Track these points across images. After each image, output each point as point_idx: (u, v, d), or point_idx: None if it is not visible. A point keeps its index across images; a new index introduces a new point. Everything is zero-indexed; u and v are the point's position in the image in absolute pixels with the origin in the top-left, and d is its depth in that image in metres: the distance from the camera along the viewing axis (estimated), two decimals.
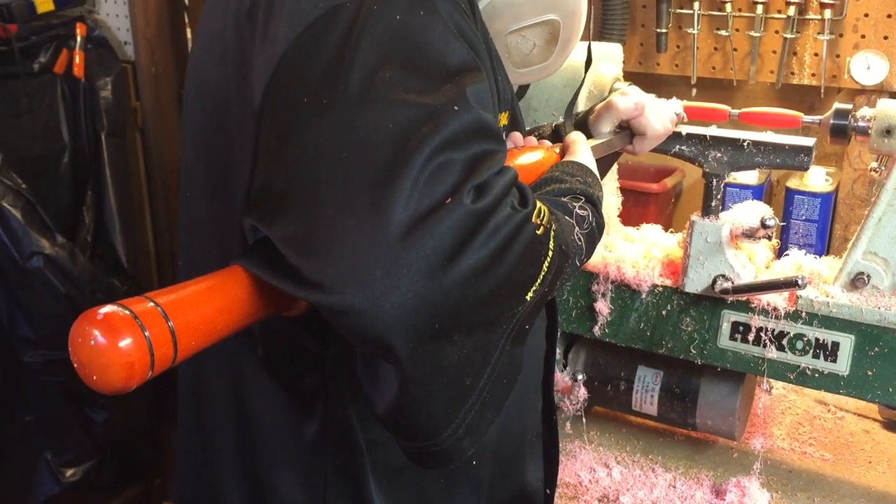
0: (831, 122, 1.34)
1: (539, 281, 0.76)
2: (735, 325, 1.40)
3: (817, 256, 1.85)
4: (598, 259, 1.50)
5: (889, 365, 1.31)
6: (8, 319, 2.31)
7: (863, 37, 1.88)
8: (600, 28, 2.02)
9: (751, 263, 1.41)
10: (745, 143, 1.35)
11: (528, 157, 1.00)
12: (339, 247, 0.66)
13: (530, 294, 0.76)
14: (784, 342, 1.37)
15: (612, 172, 1.57)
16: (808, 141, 1.33)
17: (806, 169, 1.35)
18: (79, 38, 2.57)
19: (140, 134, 2.80)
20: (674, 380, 1.53)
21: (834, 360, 1.34)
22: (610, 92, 1.52)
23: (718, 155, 1.37)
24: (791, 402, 1.77)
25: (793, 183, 1.95)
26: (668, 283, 1.45)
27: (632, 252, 1.50)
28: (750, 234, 1.35)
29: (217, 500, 0.98)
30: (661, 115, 1.29)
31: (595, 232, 0.93)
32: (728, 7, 1.94)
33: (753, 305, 1.38)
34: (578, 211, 0.90)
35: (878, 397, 1.33)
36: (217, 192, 0.93)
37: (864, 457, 1.61)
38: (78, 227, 2.59)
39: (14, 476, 2.42)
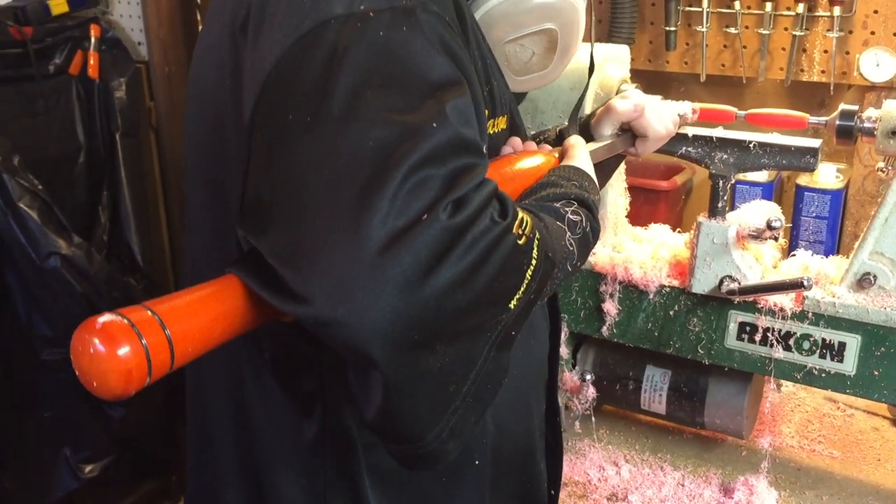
0: (837, 123, 1.34)
1: (522, 289, 0.77)
2: (742, 326, 1.41)
3: (825, 256, 1.86)
4: (606, 260, 1.51)
5: (895, 365, 1.31)
6: (26, 318, 2.34)
7: (872, 33, 1.87)
8: (608, 28, 2.02)
9: (758, 264, 1.42)
10: (752, 145, 1.36)
11: (526, 161, 1.01)
12: (320, 261, 0.68)
13: (513, 302, 0.77)
14: (791, 342, 1.38)
15: (620, 172, 1.58)
16: (814, 142, 1.33)
17: (812, 170, 1.35)
18: (93, 40, 2.59)
19: (154, 133, 2.83)
20: (682, 379, 1.55)
21: (840, 361, 1.35)
22: (616, 94, 1.52)
23: (724, 156, 1.38)
24: (800, 399, 1.78)
25: (803, 180, 1.95)
26: (676, 283, 1.46)
27: (639, 253, 1.51)
28: (756, 236, 1.36)
29: (217, 499, 1.00)
30: (662, 116, 1.29)
31: (589, 236, 0.94)
32: (737, 4, 1.94)
33: (760, 306, 1.38)
34: (571, 216, 0.91)
35: (884, 397, 1.33)
36: (214, 197, 0.95)
37: (872, 454, 1.62)
38: (94, 227, 2.62)
39: (34, 472, 2.45)
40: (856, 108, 1.34)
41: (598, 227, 0.98)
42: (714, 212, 1.40)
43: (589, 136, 1.27)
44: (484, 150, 0.81)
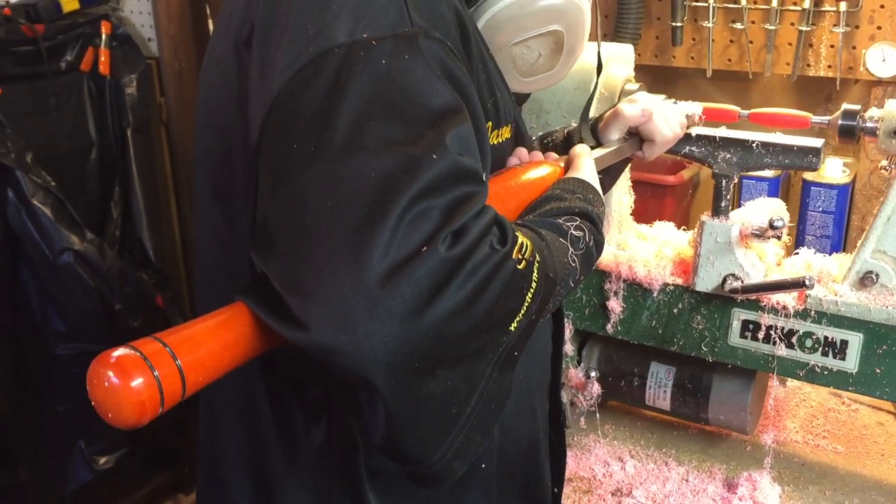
0: (839, 122, 1.35)
1: (523, 312, 0.78)
2: (745, 324, 1.42)
3: (832, 250, 1.87)
4: (611, 258, 1.52)
5: None
6: (41, 314, 2.37)
7: (879, 28, 1.87)
8: (614, 26, 2.03)
9: (761, 262, 1.43)
10: (755, 145, 1.36)
11: (532, 173, 1.01)
12: (322, 291, 0.70)
13: (514, 325, 0.78)
14: (793, 340, 1.39)
15: (624, 170, 1.58)
16: (817, 142, 1.34)
17: (815, 170, 1.36)
18: (104, 36, 2.60)
19: (165, 129, 2.85)
20: (686, 375, 1.56)
21: (843, 358, 1.36)
22: (620, 93, 1.53)
23: (728, 156, 1.39)
24: (806, 394, 1.79)
25: (809, 175, 1.96)
26: (679, 281, 1.47)
27: (644, 251, 1.52)
28: (759, 234, 1.37)
29: (226, 499, 1.02)
30: (670, 120, 1.30)
31: (592, 251, 0.95)
32: (743, 0, 1.94)
33: (763, 304, 1.40)
34: (574, 232, 0.92)
35: (886, 395, 1.35)
36: (222, 208, 0.96)
37: (876, 449, 1.63)
38: (106, 222, 2.64)
39: (50, 464, 2.49)
40: (858, 107, 1.35)
41: (602, 239, 0.99)
42: (717, 211, 1.41)
43: (596, 140, 1.28)
44: (484, 178, 0.82)
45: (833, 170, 1.94)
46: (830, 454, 1.61)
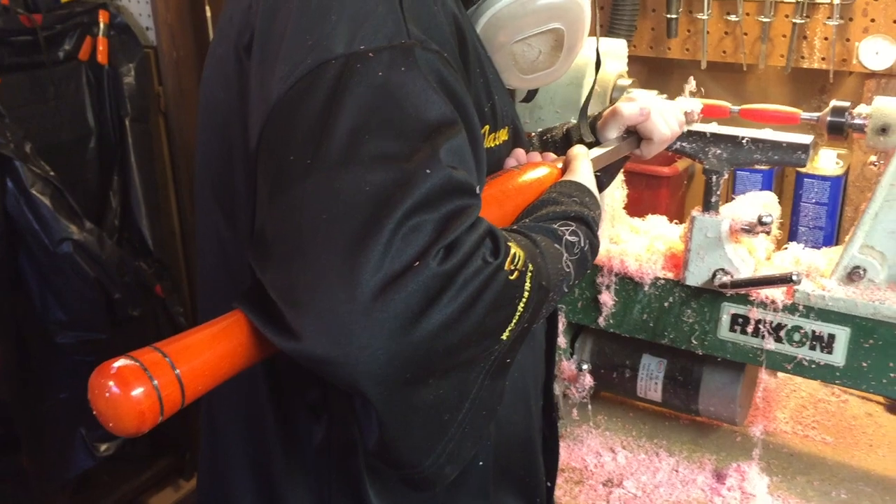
0: (828, 119, 1.37)
1: (515, 321, 0.80)
2: (734, 317, 1.44)
3: (824, 242, 1.88)
4: (603, 252, 1.54)
5: (883, 357, 1.34)
6: (41, 302, 2.39)
7: (872, 20, 1.88)
8: (609, 21, 2.03)
9: (751, 257, 1.45)
10: (744, 141, 1.38)
11: (529, 175, 1.02)
12: (316, 303, 0.71)
13: (505, 334, 0.79)
14: (782, 334, 1.41)
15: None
16: (806, 138, 1.35)
17: (803, 166, 1.38)
18: (102, 25, 2.61)
19: (163, 118, 2.86)
20: (677, 368, 1.58)
21: (830, 352, 1.38)
22: (613, 88, 1.55)
23: (718, 152, 1.40)
24: (797, 385, 1.81)
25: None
26: (670, 275, 1.49)
27: (635, 245, 1.54)
28: (749, 230, 1.39)
29: (227, 496, 1.04)
30: (668, 118, 1.30)
31: (587, 255, 0.96)
32: None
33: (752, 298, 1.41)
34: (569, 237, 0.93)
35: (872, 388, 1.36)
36: (222, 207, 0.98)
37: (865, 440, 1.65)
38: (105, 211, 2.66)
39: (51, 451, 2.51)
40: (847, 104, 1.36)
41: (598, 243, 1.00)
42: (708, 206, 1.42)
43: (595, 138, 1.29)
44: (477, 190, 0.82)
45: (826, 162, 1.95)
46: (819, 445, 1.64)
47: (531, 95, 1.36)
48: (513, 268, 0.79)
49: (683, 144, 1.42)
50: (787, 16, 1.95)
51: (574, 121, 1.34)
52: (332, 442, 0.96)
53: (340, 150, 0.75)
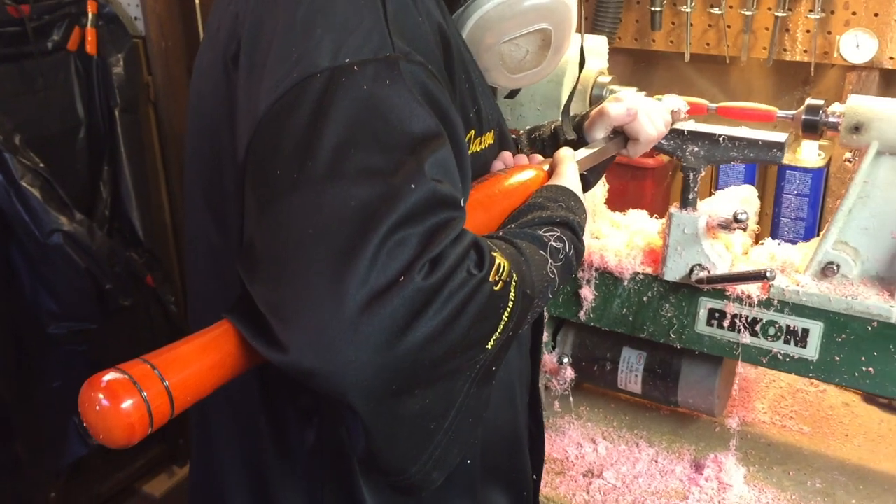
0: (803, 117, 1.38)
1: (500, 330, 0.82)
2: (711, 312, 1.46)
3: (802, 237, 1.91)
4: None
5: (855, 351, 1.37)
6: (32, 293, 2.41)
7: (854, 14, 1.89)
8: (593, 18, 2.05)
9: (728, 252, 1.47)
10: (721, 139, 1.40)
11: (516, 178, 1.04)
12: (303, 317, 0.73)
13: (490, 343, 0.81)
14: (757, 328, 1.43)
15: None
16: (780, 136, 1.37)
17: (778, 163, 1.40)
18: (90, 15, 2.61)
19: (153, 107, 2.87)
20: (657, 360, 1.61)
21: (804, 346, 1.40)
22: (593, 86, 1.56)
23: (696, 149, 1.42)
24: (776, 375, 1.84)
25: (785, 158, 1.98)
26: (649, 270, 1.51)
27: (615, 241, 1.56)
28: (725, 226, 1.41)
29: (221, 496, 1.06)
30: (654, 118, 1.32)
31: (572, 261, 0.98)
32: None
33: (728, 293, 1.44)
34: (554, 243, 0.95)
35: (845, 381, 1.39)
36: (213, 210, 0.99)
37: (841, 430, 1.68)
38: (95, 202, 2.67)
39: (45, 439, 2.54)
40: (821, 102, 1.38)
41: (583, 247, 1.02)
42: (685, 203, 1.44)
43: (581, 138, 1.31)
44: (461, 202, 0.83)
45: (808, 153, 1.97)
46: (796, 434, 1.67)
47: (514, 92, 1.37)
48: (497, 279, 0.81)
49: (662, 142, 1.44)
50: (769, 8, 1.96)
51: (560, 120, 1.35)
52: (324, 444, 0.98)
53: (326, 164, 0.76)
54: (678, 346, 1.51)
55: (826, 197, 2.04)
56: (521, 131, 1.40)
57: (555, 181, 1.07)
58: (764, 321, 1.42)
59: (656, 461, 1.59)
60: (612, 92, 1.54)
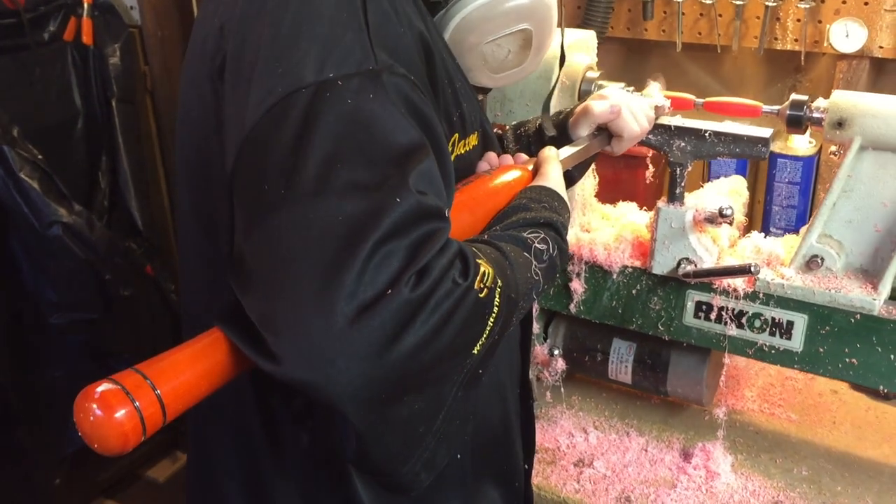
0: (787, 112, 1.40)
1: (485, 335, 0.84)
2: (699, 305, 1.49)
3: (791, 226, 1.93)
4: (574, 240, 1.58)
5: (839, 343, 1.39)
6: (33, 284, 2.43)
7: (844, 2, 1.90)
8: (583, 14, 2.06)
9: (715, 245, 1.49)
10: (707, 134, 1.41)
11: (501, 179, 1.06)
12: (294, 330, 0.75)
13: (476, 349, 0.84)
14: (743, 320, 1.45)
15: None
16: (766, 132, 1.39)
17: (764, 158, 1.41)
18: (86, 6, 2.61)
19: (150, 97, 2.88)
20: (646, 351, 1.63)
21: (789, 338, 1.43)
22: (581, 81, 1.57)
23: (682, 144, 1.43)
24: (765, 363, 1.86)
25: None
26: (638, 264, 1.53)
27: (604, 234, 1.58)
28: (711, 220, 1.43)
29: (217, 496, 1.09)
30: (638, 115, 1.33)
31: (556, 261, 1.00)
32: None
33: (715, 286, 1.46)
34: (538, 245, 0.97)
35: (829, 372, 1.41)
36: (202, 218, 1.01)
37: (829, 417, 1.71)
38: (94, 193, 2.69)
39: (48, 428, 2.58)
40: (806, 98, 1.39)
41: (566, 247, 1.04)
42: (672, 197, 1.46)
43: (565, 135, 1.33)
44: (446, 213, 0.85)
45: (799, 142, 1.98)
46: (784, 422, 1.69)
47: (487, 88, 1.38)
48: (482, 286, 0.83)
49: (649, 137, 1.45)
50: None
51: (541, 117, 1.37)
52: (318, 446, 1.00)
53: (313, 180, 0.78)
54: (666, 337, 1.53)
55: (817, 184, 2.06)
56: (508, 127, 1.41)
57: (538, 182, 1.09)
58: (750, 313, 1.45)
59: (646, 450, 1.61)
60: (600, 87, 1.55)
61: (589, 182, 1.67)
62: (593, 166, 1.68)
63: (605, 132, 1.33)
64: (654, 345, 1.63)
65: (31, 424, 2.54)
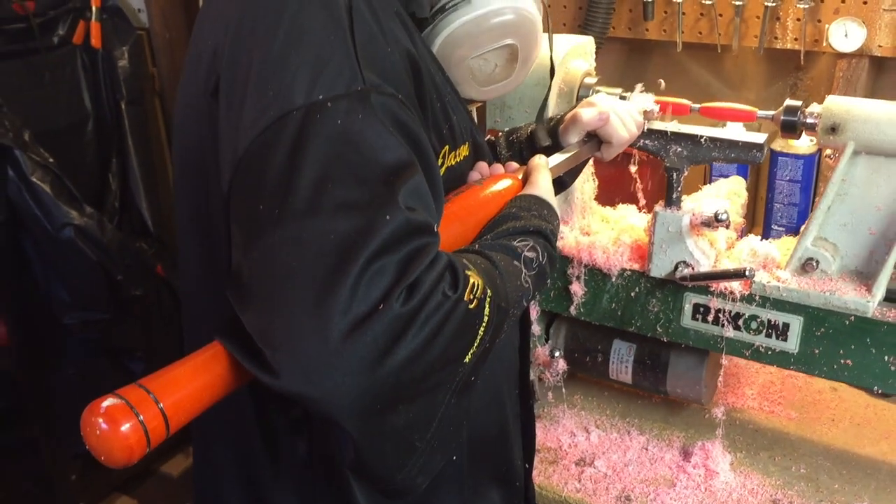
0: (782, 118, 1.42)
1: (476, 345, 0.87)
2: (696, 307, 1.51)
3: (793, 224, 1.94)
4: (573, 244, 1.61)
5: (834, 344, 1.41)
6: (46, 285, 2.48)
7: (843, 2, 1.91)
8: (585, 19, 2.08)
9: (712, 248, 1.51)
10: (703, 139, 1.43)
11: (491, 189, 1.08)
12: (291, 345, 0.78)
13: (468, 358, 0.86)
14: (740, 322, 1.48)
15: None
16: (760, 137, 1.41)
17: (759, 163, 1.43)
18: (94, 9, 2.64)
19: (159, 98, 2.92)
20: (646, 352, 1.66)
21: (785, 340, 1.45)
22: (580, 87, 1.60)
23: (678, 149, 1.46)
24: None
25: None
26: (636, 267, 1.56)
27: (603, 238, 1.61)
28: (707, 224, 1.45)
29: (217, 499, 1.13)
30: (626, 121, 1.36)
31: (545, 269, 1.03)
32: None
33: (712, 289, 1.48)
34: (527, 253, 1.00)
35: (824, 373, 1.44)
36: (202, 230, 1.04)
37: (828, 415, 1.73)
38: (105, 194, 2.73)
39: (61, 425, 2.62)
40: (799, 103, 1.41)
41: (556, 254, 1.07)
42: (669, 202, 1.48)
43: (557, 142, 1.35)
44: (435, 228, 0.88)
45: (800, 140, 1.99)
46: (783, 420, 1.72)
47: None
48: (472, 297, 0.86)
49: (646, 142, 1.48)
50: None
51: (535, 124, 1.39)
52: (316, 454, 1.04)
53: (306, 200, 0.81)
54: (665, 339, 1.56)
55: (818, 182, 2.07)
56: (500, 133, 1.44)
57: (528, 190, 1.12)
58: (746, 315, 1.47)
59: (647, 449, 1.64)
60: (597, 92, 1.57)
61: (588, 185, 1.69)
62: (592, 169, 1.71)
63: (595, 139, 1.36)
64: (653, 345, 1.65)
65: (46, 421, 2.59)
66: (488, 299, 0.88)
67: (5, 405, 2.50)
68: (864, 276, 1.42)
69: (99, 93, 2.73)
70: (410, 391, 0.82)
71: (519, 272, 0.98)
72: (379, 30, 0.92)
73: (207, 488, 1.16)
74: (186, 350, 1.15)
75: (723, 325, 1.49)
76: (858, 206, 1.40)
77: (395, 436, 0.84)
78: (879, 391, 1.43)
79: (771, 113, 1.45)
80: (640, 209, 1.72)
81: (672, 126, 1.47)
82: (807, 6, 1.91)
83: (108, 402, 0.75)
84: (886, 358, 1.38)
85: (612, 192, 1.82)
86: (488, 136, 1.48)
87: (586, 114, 1.32)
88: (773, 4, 1.95)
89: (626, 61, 2.30)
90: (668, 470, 1.59)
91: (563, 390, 1.73)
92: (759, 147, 1.40)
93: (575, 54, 1.60)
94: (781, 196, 2.06)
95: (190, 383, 0.81)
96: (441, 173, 1.02)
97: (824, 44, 1.93)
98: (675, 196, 1.48)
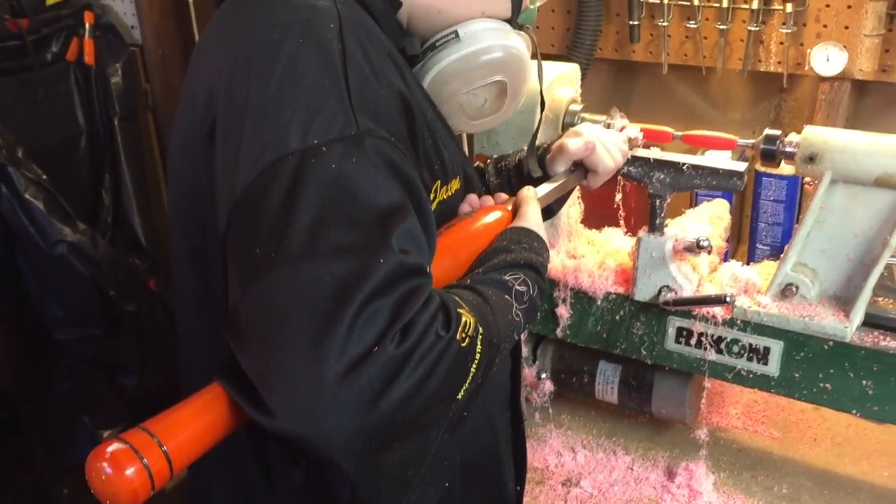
0: (762, 146, 1.45)
1: (469, 381, 0.89)
2: (679, 330, 1.54)
3: (776, 244, 1.97)
4: (559, 267, 1.64)
5: (813, 368, 1.44)
6: (40, 301, 2.50)
7: (825, 26, 1.94)
8: (571, 41, 2.11)
9: (695, 273, 1.54)
10: (685, 167, 1.46)
11: (483, 221, 1.11)
12: (288, 387, 0.80)
13: (461, 394, 0.89)
14: (722, 346, 1.51)
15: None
16: (740, 165, 1.44)
17: (739, 190, 1.46)
18: (87, 26, 2.67)
19: (152, 114, 2.94)
20: (631, 373, 1.69)
21: (765, 363, 1.48)
22: (565, 114, 1.63)
23: (661, 176, 1.49)
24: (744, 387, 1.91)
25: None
26: (621, 290, 1.59)
27: (588, 262, 1.63)
28: (690, 250, 1.48)
29: None
30: (612, 150, 1.38)
31: (536, 301, 1.05)
32: None
33: (695, 313, 1.51)
34: (518, 287, 1.02)
35: (804, 397, 1.47)
36: (197, 261, 1.06)
37: (810, 434, 1.76)
38: (98, 210, 2.75)
39: (57, 439, 2.64)
40: (779, 133, 1.44)
41: (546, 286, 1.09)
42: (653, 227, 1.51)
43: (544, 171, 1.38)
44: (428, 269, 0.90)
45: None
46: (767, 440, 1.74)
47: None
48: (464, 335, 0.88)
49: (630, 169, 1.51)
50: (744, 21, 2.01)
51: (525, 152, 1.42)
52: (312, 485, 1.05)
53: (301, 245, 0.83)
54: (649, 361, 1.59)
55: (802, 202, 2.10)
56: (489, 160, 1.47)
57: (518, 223, 1.14)
58: (728, 339, 1.50)
59: (632, 469, 1.67)
60: (583, 120, 1.60)
61: (574, 209, 1.72)
62: (579, 193, 1.73)
63: (581, 168, 1.38)
64: (638, 367, 1.68)
65: (40, 435, 2.61)
66: (480, 336, 0.91)
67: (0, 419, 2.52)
68: (843, 301, 1.45)
69: (92, 109, 2.75)
70: (405, 430, 0.85)
71: (510, 306, 1.00)
72: (372, 72, 0.94)
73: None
74: (185, 382, 1.18)
75: (705, 349, 1.52)
76: (837, 232, 1.43)
77: (390, 472, 0.87)
78: (858, 414, 1.46)
79: (751, 141, 1.48)
80: (625, 233, 1.75)
81: (655, 153, 1.50)
82: (789, 31, 1.94)
83: (113, 446, 0.77)
84: (864, 382, 1.41)
85: (599, 211, 1.85)
86: (477, 163, 1.51)
87: (573, 144, 1.35)
88: (757, 29, 1.98)
89: (614, 82, 2.33)
90: (653, 490, 1.61)
91: (550, 410, 1.76)
92: (739, 175, 1.43)
93: (561, 82, 1.63)
94: (766, 216, 2.09)
95: (192, 425, 0.83)
96: (433, 208, 1.04)
97: (807, 67, 1.96)
98: (658, 222, 1.51)
